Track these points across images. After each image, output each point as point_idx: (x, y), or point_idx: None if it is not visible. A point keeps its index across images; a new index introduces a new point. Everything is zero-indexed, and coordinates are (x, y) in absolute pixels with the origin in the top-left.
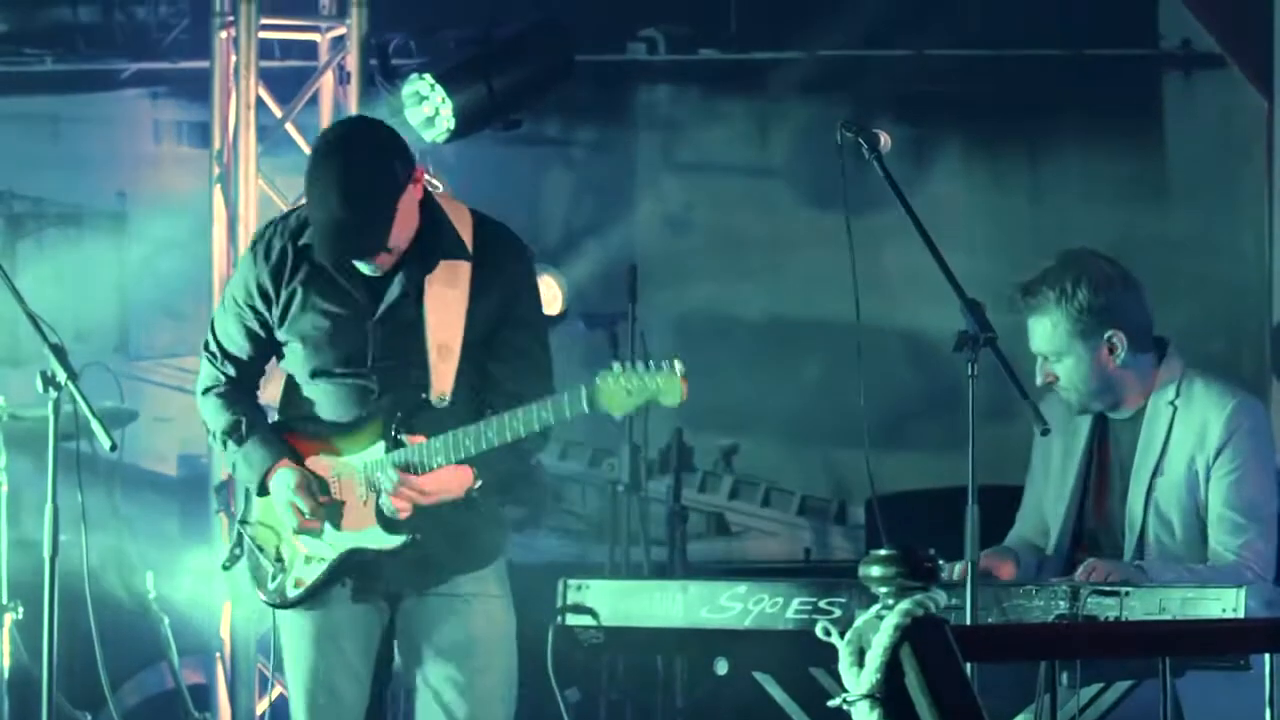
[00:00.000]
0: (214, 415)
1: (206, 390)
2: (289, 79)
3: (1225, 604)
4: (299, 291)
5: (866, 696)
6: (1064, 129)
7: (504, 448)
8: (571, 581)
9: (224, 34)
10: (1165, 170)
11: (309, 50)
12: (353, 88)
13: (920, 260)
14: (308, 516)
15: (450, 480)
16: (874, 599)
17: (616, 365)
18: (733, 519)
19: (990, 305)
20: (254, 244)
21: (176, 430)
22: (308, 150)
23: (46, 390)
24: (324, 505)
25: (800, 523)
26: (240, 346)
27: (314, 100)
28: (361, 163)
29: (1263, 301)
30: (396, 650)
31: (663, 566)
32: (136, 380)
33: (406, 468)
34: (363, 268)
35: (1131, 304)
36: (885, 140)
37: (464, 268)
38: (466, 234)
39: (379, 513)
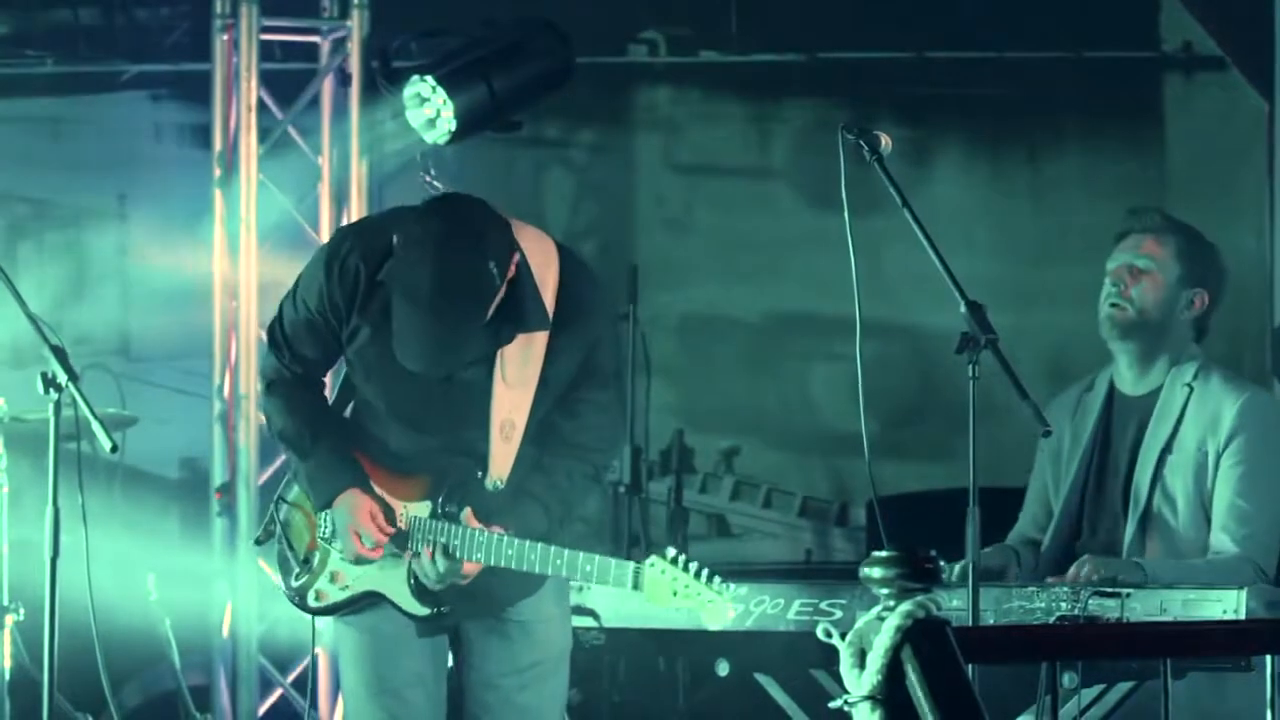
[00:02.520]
0: (278, 415)
1: (271, 384)
2: (290, 81)
3: (1226, 605)
4: (369, 324)
5: (868, 698)
6: (1065, 131)
7: (545, 514)
8: (573, 583)
9: (225, 36)
10: (1166, 172)
11: (310, 52)
12: (354, 90)
13: (921, 262)
14: (370, 547)
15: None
16: (875, 600)
17: (670, 552)
18: (733, 520)
19: (991, 307)
20: (329, 259)
21: (177, 432)
22: (308, 152)
23: (47, 392)
24: (386, 540)
25: (801, 524)
26: (310, 347)
27: (315, 102)
28: (460, 267)
29: (1263, 303)
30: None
31: None
32: (137, 382)
33: (450, 552)
34: None
35: (1222, 291)
36: (886, 142)
37: (539, 339)
38: (550, 292)
39: (412, 576)
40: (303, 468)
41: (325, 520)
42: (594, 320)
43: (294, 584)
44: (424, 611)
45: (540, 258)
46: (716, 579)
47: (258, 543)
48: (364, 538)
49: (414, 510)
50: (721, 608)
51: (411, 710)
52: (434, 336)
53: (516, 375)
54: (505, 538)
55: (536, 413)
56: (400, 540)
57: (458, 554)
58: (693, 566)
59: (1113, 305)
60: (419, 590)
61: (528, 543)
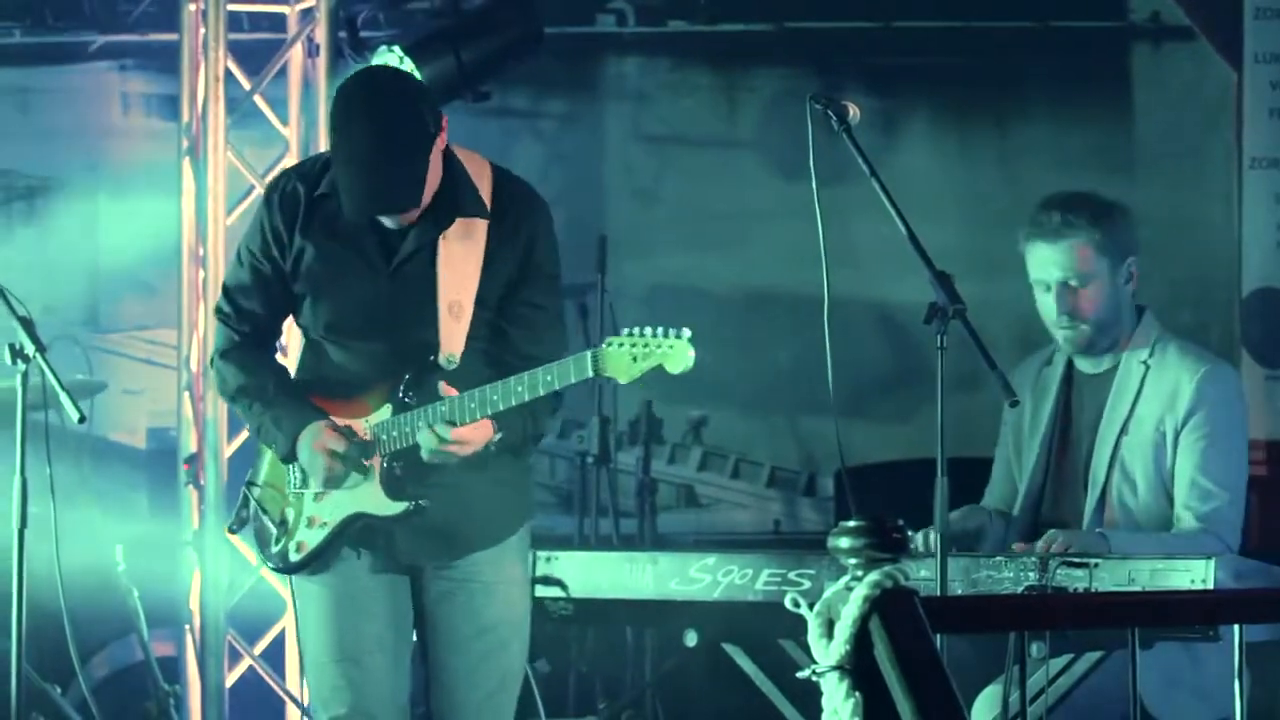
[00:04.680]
0: (233, 376)
1: (224, 353)
2: (258, 51)
3: (1195, 576)
4: (312, 241)
5: (835, 668)
6: (1033, 100)
7: (519, 409)
8: (541, 553)
9: (192, 6)
10: (1134, 141)
11: (278, 23)
12: (321, 60)
13: (889, 232)
14: (342, 455)
15: (475, 432)
16: (843, 570)
17: (625, 331)
18: (702, 491)
19: (959, 276)
20: (268, 193)
21: (145, 403)
22: (276, 123)
23: (15, 362)
24: (352, 452)
25: (769, 494)
26: (256, 299)
27: (283, 73)
28: (394, 113)
29: (1232, 273)
30: (414, 631)
31: (632, 538)
32: (105, 353)
33: (451, 422)
34: (387, 221)
35: (1137, 241)
36: (854, 112)
37: (480, 225)
38: (485, 190)
39: (384, 477)
40: (266, 416)
41: (293, 471)
42: (531, 213)
43: (275, 550)
44: (399, 508)
45: (474, 165)
46: (671, 330)
47: (231, 530)
48: (335, 451)
49: (375, 419)
50: (682, 350)
51: (371, 676)
52: (379, 177)
53: (459, 259)
54: (464, 395)
55: (482, 295)
56: (365, 450)
57: (454, 424)
58: (646, 330)
59: (1065, 329)
60: (391, 489)
61: (486, 386)
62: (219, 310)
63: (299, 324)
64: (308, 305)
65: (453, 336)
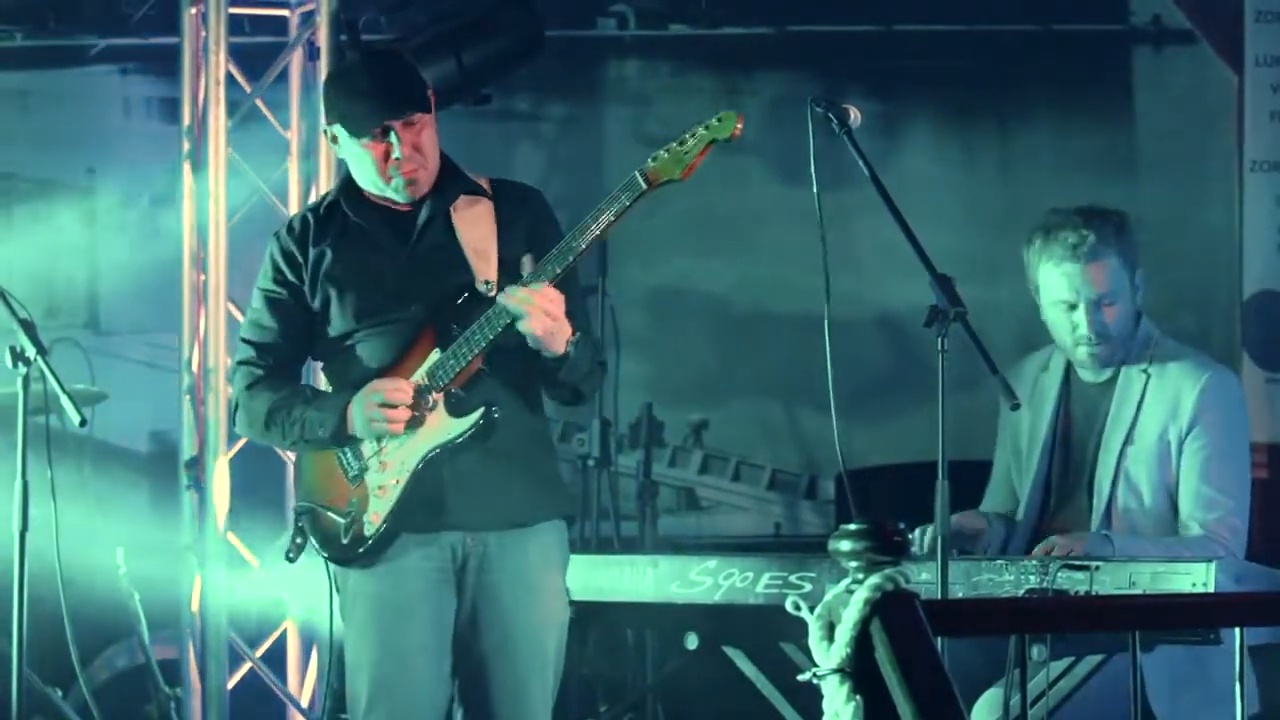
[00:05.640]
0: (263, 401)
1: (249, 387)
2: (259, 55)
3: (1195, 579)
4: (328, 245)
5: (836, 671)
6: (1034, 104)
7: (584, 338)
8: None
9: (193, 10)
10: (1135, 145)
11: (279, 26)
12: (322, 64)
13: (890, 235)
14: (402, 406)
15: (559, 305)
16: (844, 573)
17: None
18: (703, 494)
19: (960, 280)
20: (274, 236)
21: (146, 406)
22: (277, 126)
23: (16, 365)
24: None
25: (770, 497)
26: (276, 331)
27: (284, 76)
28: (391, 55)
29: (1233, 275)
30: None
31: (633, 541)
32: (106, 356)
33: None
34: (396, 196)
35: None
36: (855, 115)
37: (485, 203)
38: (484, 184)
39: (448, 402)
40: (308, 409)
41: (345, 457)
42: (531, 195)
43: (347, 540)
44: (470, 420)
45: (470, 172)
46: (708, 118)
47: (290, 559)
48: (389, 402)
49: (421, 371)
50: (729, 119)
51: (413, 678)
52: (387, 75)
53: (474, 223)
54: (542, 258)
55: (503, 256)
56: (422, 394)
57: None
58: (683, 134)
59: (1092, 347)
60: (457, 408)
61: (560, 241)
62: (239, 363)
63: (326, 336)
64: (334, 304)
65: (485, 269)
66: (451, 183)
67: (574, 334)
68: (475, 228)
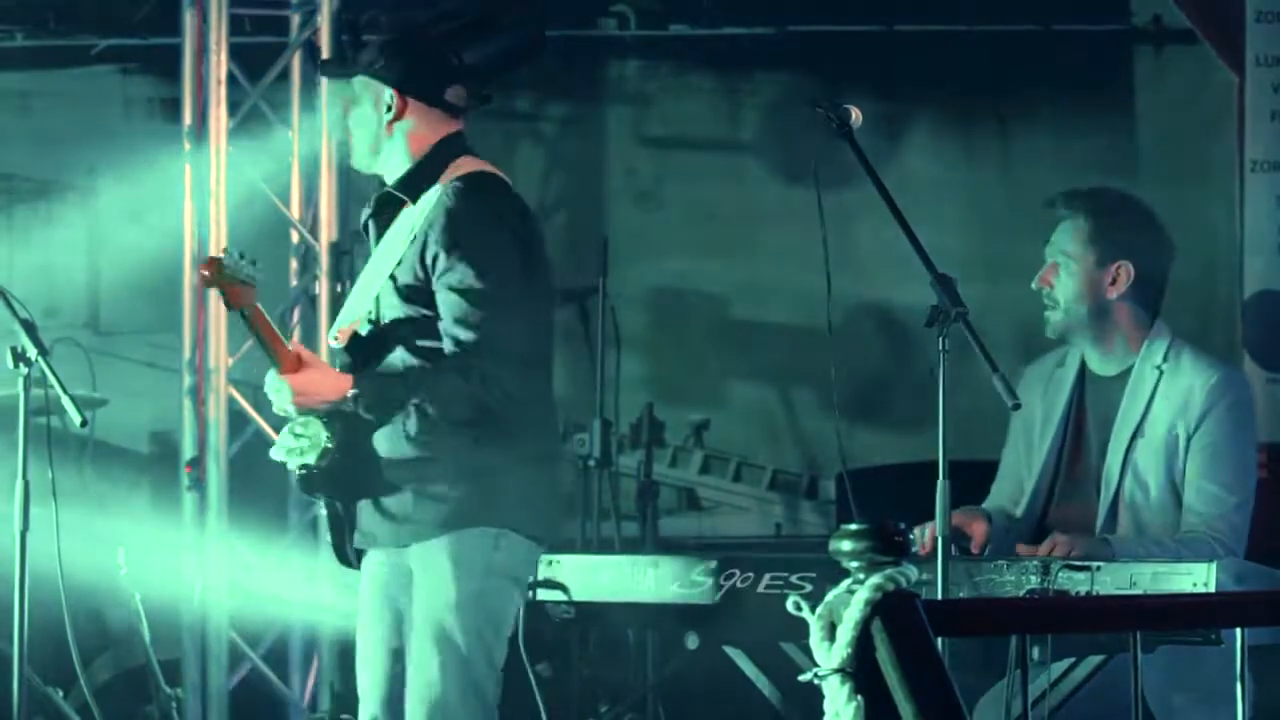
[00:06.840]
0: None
1: None
2: (260, 55)
3: (1196, 579)
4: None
5: (837, 671)
6: (1035, 104)
7: (365, 394)
8: (543, 556)
9: (194, 9)
10: (1136, 145)
11: (280, 26)
12: None
13: (891, 235)
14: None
15: (321, 383)
16: (845, 574)
17: None
18: (704, 494)
19: (961, 280)
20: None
21: (147, 406)
22: (278, 125)
23: (17, 366)
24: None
25: (771, 498)
26: None
27: (285, 76)
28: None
29: (1233, 276)
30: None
31: (634, 541)
32: (106, 356)
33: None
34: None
35: (1154, 253)
36: (856, 115)
37: (412, 212)
38: (443, 180)
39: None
40: None
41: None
42: (439, 204)
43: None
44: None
45: (467, 165)
46: None
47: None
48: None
49: None
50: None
51: (375, 679)
52: None
53: (391, 245)
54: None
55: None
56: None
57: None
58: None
59: (1044, 309)
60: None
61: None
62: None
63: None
64: None
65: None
66: (408, 187)
67: (350, 390)
68: (390, 249)
